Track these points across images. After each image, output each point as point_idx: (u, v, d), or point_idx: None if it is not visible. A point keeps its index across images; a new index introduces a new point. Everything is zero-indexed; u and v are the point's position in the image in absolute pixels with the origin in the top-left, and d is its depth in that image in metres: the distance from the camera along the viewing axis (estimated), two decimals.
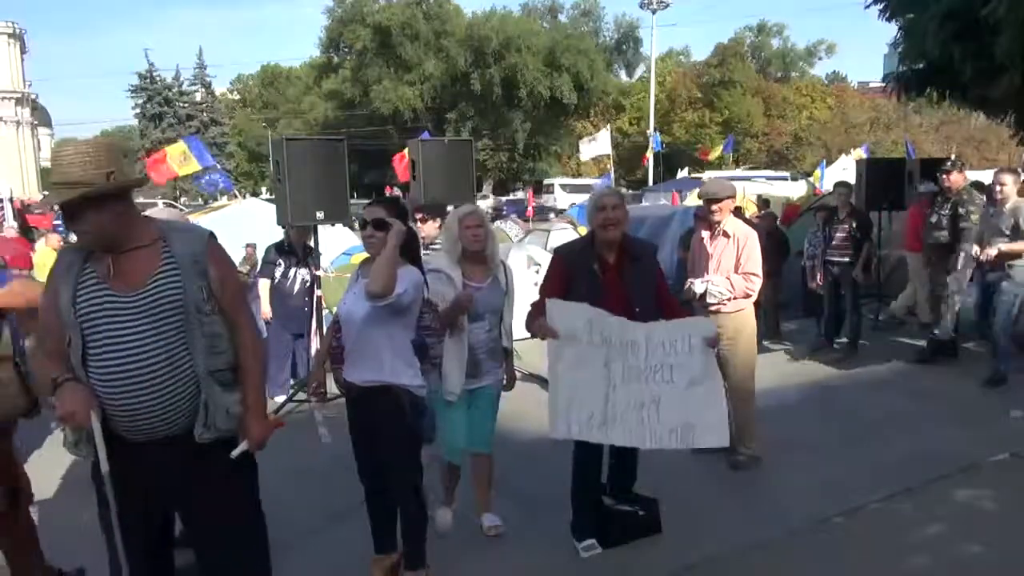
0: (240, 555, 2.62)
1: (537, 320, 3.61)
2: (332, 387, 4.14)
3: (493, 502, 4.10)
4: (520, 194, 42.13)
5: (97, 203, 2.33)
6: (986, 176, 11.65)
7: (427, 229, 5.49)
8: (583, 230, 10.67)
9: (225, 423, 2.51)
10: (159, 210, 4.17)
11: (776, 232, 9.40)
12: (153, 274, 2.42)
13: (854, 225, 7.79)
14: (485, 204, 31.44)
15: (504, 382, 4.09)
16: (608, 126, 31.48)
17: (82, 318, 2.37)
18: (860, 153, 18.90)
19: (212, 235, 2.58)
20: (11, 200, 28.71)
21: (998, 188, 6.29)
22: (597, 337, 3.53)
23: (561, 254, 3.92)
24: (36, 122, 54.64)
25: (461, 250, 3.85)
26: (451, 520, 3.99)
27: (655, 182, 32.86)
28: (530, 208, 28.21)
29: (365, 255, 3.54)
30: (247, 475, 2.66)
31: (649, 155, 27.32)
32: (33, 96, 52.55)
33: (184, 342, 2.43)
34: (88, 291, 2.39)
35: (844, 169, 18.71)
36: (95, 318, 2.37)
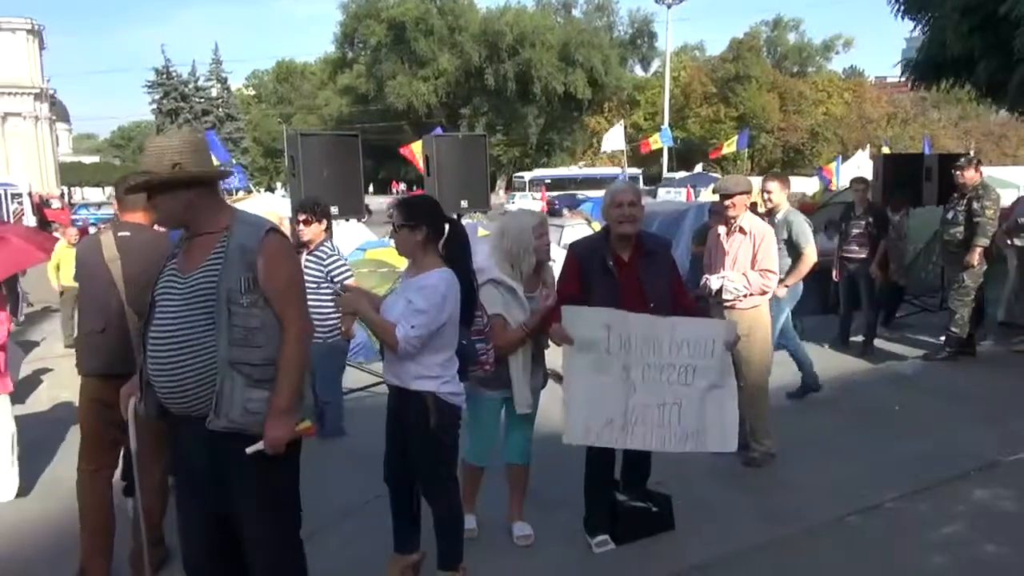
0: (261, 546, 2.67)
1: (552, 324, 3.61)
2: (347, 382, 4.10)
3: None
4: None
5: (164, 189, 2.58)
6: (1005, 172, 11.55)
7: (310, 233, 5.13)
8: (597, 226, 10.65)
9: (241, 417, 2.53)
10: None
11: None
12: (204, 260, 2.56)
13: (871, 221, 7.72)
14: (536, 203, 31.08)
15: (542, 383, 3.96)
16: (622, 121, 31.35)
17: (155, 293, 2.64)
18: (885, 150, 18.69)
19: (273, 229, 2.60)
20: (30, 195, 29.02)
21: (766, 197, 5.84)
22: (616, 343, 3.53)
23: (575, 250, 3.91)
24: (54, 117, 55.07)
25: (535, 262, 3.71)
26: (475, 525, 3.90)
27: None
28: (544, 204, 28.24)
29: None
30: (270, 471, 2.59)
31: (654, 146, 27.02)
32: (51, 92, 52.94)
33: (212, 330, 2.51)
34: (166, 270, 2.67)
35: (859, 167, 18.58)
36: (159, 294, 2.62)
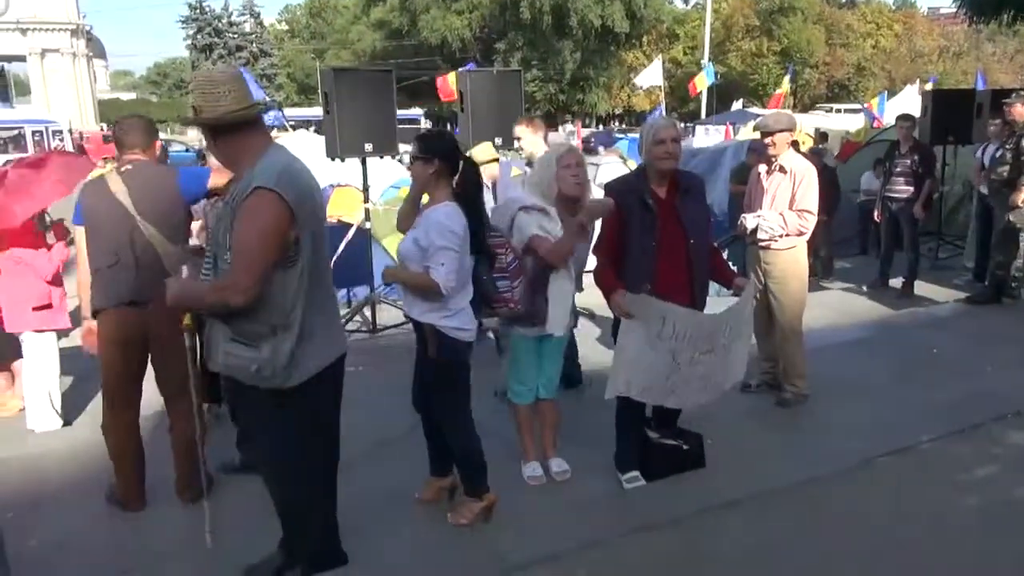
0: (268, 484, 2.90)
1: (614, 295, 3.58)
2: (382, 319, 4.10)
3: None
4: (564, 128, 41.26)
5: (201, 129, 2.74)
6: None
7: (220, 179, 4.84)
8: (633, 164, 10.49)
9: (223, 365, 2.66)
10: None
11: (824, 169, 9.07)
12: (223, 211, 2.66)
13: (916, 160, 7.50)
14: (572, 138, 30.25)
15: (574, 323, 3.97)
16: (661, 56, 30.50)
17: None
18: (928, 87, 17.91)
19: (258, 188, 2.49)
20: (70, 131, 29.36)
21: (516, 145, 5.13)
22: (668, 331, 3.56)
23: (612, 190, 3.82)
24: (91, 54, 55.20)
25: (557, 192, 3.61)
26: (542, 472, 3.92)
27: (708, 114, 31.98)
28: (579, 141, 27.81)
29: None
30: (272, 416, 2.72)
31: (701, 87, 26.08)
32: (87, 28, 52.99)
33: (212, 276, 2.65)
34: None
35: (908, 102, 17.93)
36: None
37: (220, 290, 2.53)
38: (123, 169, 3.59)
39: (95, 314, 3.61)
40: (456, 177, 3.33)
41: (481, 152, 5.55)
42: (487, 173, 5.56)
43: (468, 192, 3.37)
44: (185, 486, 3.67)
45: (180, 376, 3.31)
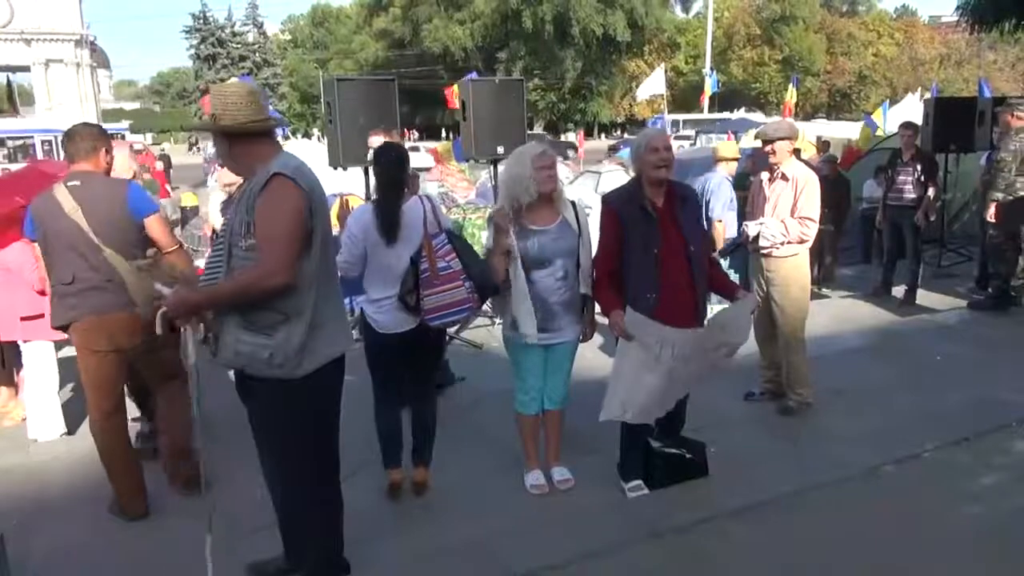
0: (273, 482, 2.94)
1: (613, 313, 3.59)
2: None
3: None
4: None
5: (216, 137, 2.78)
6: None
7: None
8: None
9: (233, 357, 2.65)
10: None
11: (838, 180, 9.05)
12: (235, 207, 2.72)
13: (918, 167, 7.50)
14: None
15: (582, 336, 3.87)
16: (662, 65, 30.60)
17: None
18: (927, 95, 17.94)
19: (278, 175, 2.57)
20: None
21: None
22: (667, 353, 3.59)
23: (609, 202, 3.81)
24: (95, 64, 55.35)
25: (536, 193, 3.60)
26: (544, 481, 3.92)
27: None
28: (581, 150, 27.85)
29: None
30: (279, 415, 2.75)
31: (706, 96, 26.17)
32: (91, 38, 53.20)
33: (223, 271, 2.66)
34: None
35: (909, 112, 17.93)
36: None
37: (258, 279, 2.53)
38: (71, 184, 3.54)
39: (62, 328, 3.64)
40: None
41: (725, 149, 6.15)
42: (727, 170, 6.01)
43: (377, 196, 3.72)
44: (175, 472, 3.68)
45: (162, 364, 3.44)
